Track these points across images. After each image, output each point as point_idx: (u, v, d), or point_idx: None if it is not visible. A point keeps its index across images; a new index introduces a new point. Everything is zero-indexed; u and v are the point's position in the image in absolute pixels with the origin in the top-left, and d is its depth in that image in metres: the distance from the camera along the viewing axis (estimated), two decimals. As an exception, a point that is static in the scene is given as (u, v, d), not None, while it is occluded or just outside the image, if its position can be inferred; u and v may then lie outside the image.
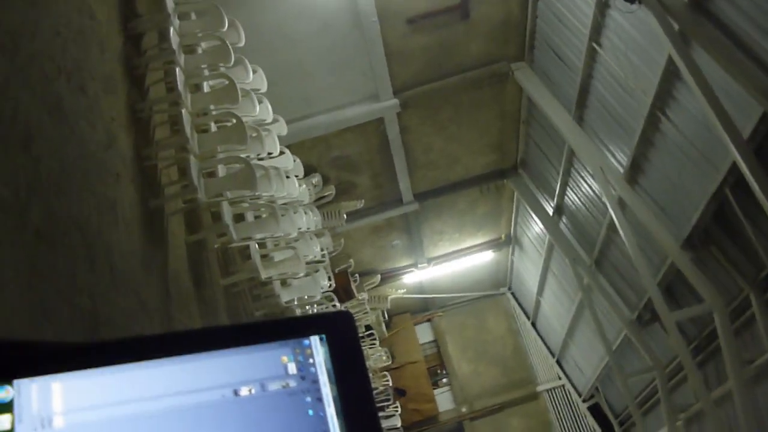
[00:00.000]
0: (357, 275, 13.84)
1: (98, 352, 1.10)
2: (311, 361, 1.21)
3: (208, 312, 6.13)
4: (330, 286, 9.82)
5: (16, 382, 1.01)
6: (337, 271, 12.27)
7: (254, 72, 7.12)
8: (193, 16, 6.47)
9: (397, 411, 14.20)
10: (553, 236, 12.44)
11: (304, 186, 9.03)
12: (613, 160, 9.16)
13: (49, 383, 1.03)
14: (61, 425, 1.03)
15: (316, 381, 1.20)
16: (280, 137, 7.67)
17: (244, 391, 1.15)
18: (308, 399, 1.19)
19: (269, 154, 7.29)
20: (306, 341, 1.22)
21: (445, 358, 17.67)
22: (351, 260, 13.04)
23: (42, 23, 3.96)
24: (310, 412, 1.18)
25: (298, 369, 1.20)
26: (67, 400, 1.04)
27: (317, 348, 1.23)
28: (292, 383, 1.19)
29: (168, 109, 5.85)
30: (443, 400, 17.08)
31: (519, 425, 16.76)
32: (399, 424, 14.26)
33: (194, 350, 1.14)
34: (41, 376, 1.03)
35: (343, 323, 1.26)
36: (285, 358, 1.20)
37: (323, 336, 1.23)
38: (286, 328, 1.26)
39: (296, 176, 8.39)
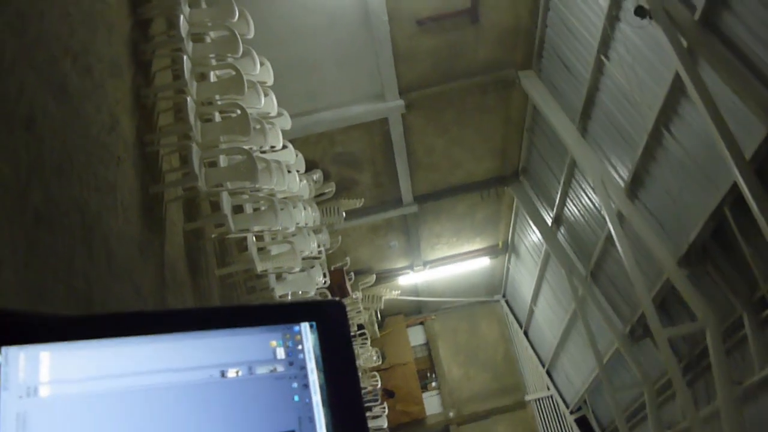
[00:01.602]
0: (352, 273, 13.83)
1: (89, 325, 1.10)
2: (300, 347, 1.22)
3: (202, 301, 6.13)
4: (325, 282, 9.80)
5: (3, 349, 1.01)
6: (332, 268, 12.25)
7: (261, 64, 7.12)
8: (203, 5, 6.47)
9: (384, 411, 14.19)
10: (551, 246, 12.44)
11: (305, 181, 9.02)
12: (614, 172, 9.17)
13: (37, 352, 1.03)
14: (46, 395, 1.03)
15: (303, 367, 1.20)
16: (283, 131, 7.68)
17: (231, 373, 1.16)
18: (295, 385, 1.19)
19: (272, 147, 7.29)
20: (296, 327, 1.23)
21: (436, 362, 17.66)
22: (347, 258, 13.03)
23: (51, 3, 3.97)
24: (296, 397, 1.18)
25: (287, 354, 1.21)
26: (54, 371, 1.04)
27: (307, 335, 1.23)
28: (280, 368, 1.19)
29: (173, 96, 5.85)
30: (431, 403, 17.08)
31: (505, 433, 16.77)
32: (386, 425, 14.24)
33: (185, 329, 1.14)
34: (30, 344, 1.03)
35: (334, 312, 1.27)
36: (274, 343, 1.21)
37: (313, 323, 1.23)
38: (276, 313, 1.26)
39: (297, 171, 8.39)
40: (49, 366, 1.03)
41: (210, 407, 1.12)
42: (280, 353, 1.21)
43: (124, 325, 1.11)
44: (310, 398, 1.19)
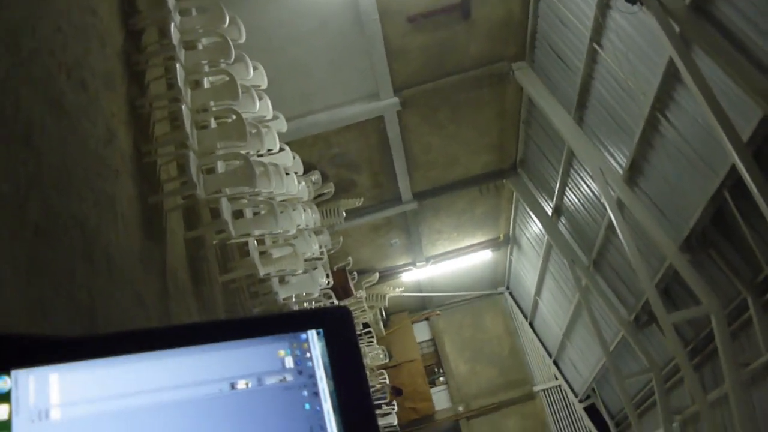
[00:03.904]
0: (355, 273, 13.84)
1: (96, 344, 1.10)
2: (308, 355, 1.22)
3: (206, 308, 6.12)
4: (328, 283, 9.81)
5: (13, 372, 1.01)
6: (335, 268, 12.26)
7: (255, 69, 7.11)
8: (194, 13, 6.46)
9: (393, 409, 14.20)
10: (552, 237, 12.45)
11: (304, 183, 9.02)
12: (612, 161, 9.17)
13: (46, 374, 1.03)
14: (57, 417, 1.03)
15: (312, 375, 1.21)
16: (279, 134, 7.67)
17: (241, 385, 1.16)
18: (305, 393, 1.19)
19: (269, 150, 7.29)
20: (303, 335, 1.23)
21: (443, 357, 17.68)
22: (349, 258, 13.04)
23: (43, 19, 3.96)
24: (307, 406, 1.18)
25: (295, 363, 1.21)
26: (64, 392, 1.04)
27: (314, 342, 1.23)
28: (289, 377, 1.19)
29: (168, 105, 5.84)
30: (440, 399, 17.10)
31: (515, 425, 16.77)
32: (395, 423, 14.26)
33: (192, 343, 1.14)
34: (39, 366, 1.03)
35: (340, 318, 1.27)
36: (282, 353, 1.21)
37: (320, 330, 1.24)
38: (283, 322, 1.26)
39: (295, 173, 8.38)
40: (58, 388, 1.03)
41: (221, 420, 1.12)
42: (289, 362, 1.21)
43: (131, 342, 1.11)
44: (321, 406, 1.19)
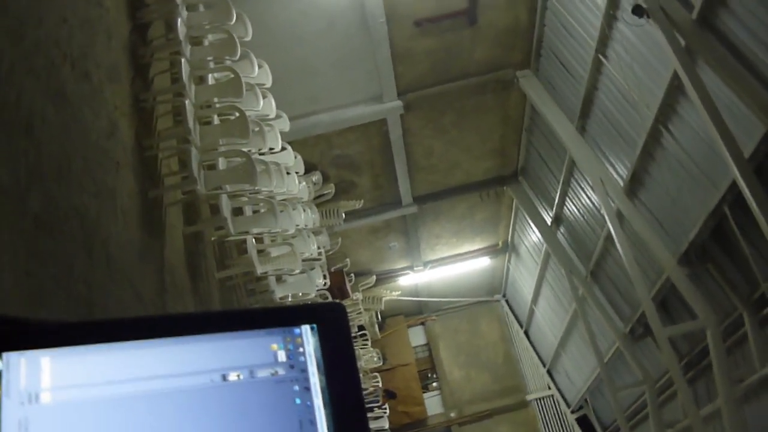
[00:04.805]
0: (352, 275, 13.83)
1: (90, 330, 1.10)
2: (301, 350, 1.22)
3: (203, 304, 6.12)
4: (325, 284, 9.81)
5: (5, 354, 1.01)
6: (332, 269, 12.26)
7: (260, 67, 7.12)
8: (201, 8, 6.47)
9: (385, 413, 14.18)
10: (551, 246, 12.44)
11: (304, 183, 9.03)
12: (613, 172, 9.17)
13: (38, 358, 1.03)
14: (48, 401, 1.03)
15: (304, 370, 1.20)
16: (282, 133, 7.68)
17: (232, 377, 1.16)
18: (296, 388, 1.19)
19: (271, 149, 7.30)
20: (297, 330, 1.23)
21: (437, 362, 17.65)
22: (347, 259, 13.04)
23: (49, 10, 3.96)
24: (298, 400, 1.18)
25: (288, 357, 1.21)
26: (56, 376, 1.04)
27: (308, 337, 1.23)
28: (281, 371, 1.19)
29: (172, 100, 5.84)
30: (432, 404, 17.07)
31: (507, 433, 16.75)
32: (387, 426, 14.23)
33: (185, 333, 1.14)
34: (31, 350, 1.03)
35: (335, 314, 1.27)
36: (275, 346, 1.21)
37: (314, 326, 1.23)
38: (277, 316, 1.26)
39: (296, 173, 8.39)
40: (50, 372, 1.03)
41: (211, 411, 1.12)
42: (281, 356, 1.21)
43: (125, 329, 1.11)
44: (312, 401, 1.19)
